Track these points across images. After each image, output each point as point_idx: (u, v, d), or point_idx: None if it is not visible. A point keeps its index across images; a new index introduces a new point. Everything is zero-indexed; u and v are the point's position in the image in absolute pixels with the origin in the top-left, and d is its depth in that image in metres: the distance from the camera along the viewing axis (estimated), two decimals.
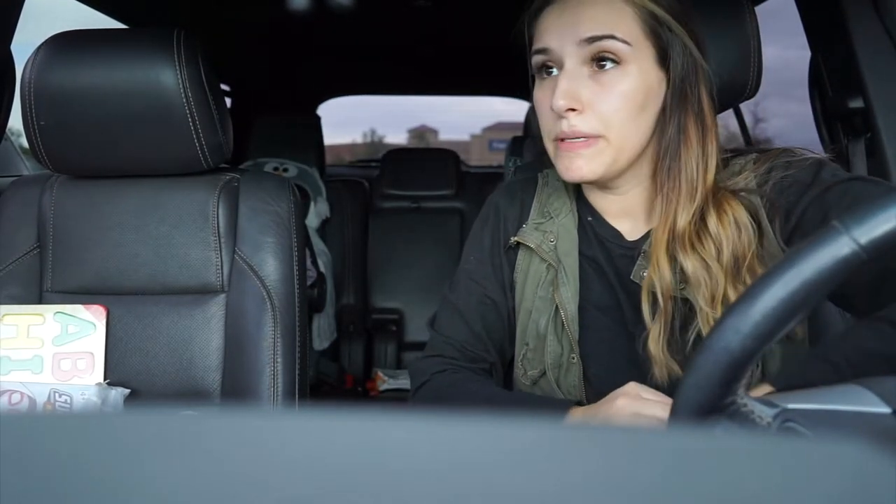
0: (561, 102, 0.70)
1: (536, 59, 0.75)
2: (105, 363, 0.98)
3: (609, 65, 0.71)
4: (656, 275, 0.73)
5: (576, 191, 0.85)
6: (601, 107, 0.71)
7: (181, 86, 0.93)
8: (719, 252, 0.72)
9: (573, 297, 0.79)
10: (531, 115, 2.83)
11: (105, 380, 0.98)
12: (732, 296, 0.70)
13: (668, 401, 0.63)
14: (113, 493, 0.18)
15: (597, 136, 0.72)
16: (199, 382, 1.00)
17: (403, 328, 2.54)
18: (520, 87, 3.22)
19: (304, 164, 2.45)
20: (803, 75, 1.19)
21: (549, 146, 0.76)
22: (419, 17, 2.00)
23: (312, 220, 2.34)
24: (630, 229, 0.81)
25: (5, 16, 1.16)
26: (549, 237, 0.82)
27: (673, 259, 0.73)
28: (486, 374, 0.84)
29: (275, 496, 0.18)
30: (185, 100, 0.94)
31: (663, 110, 0.74)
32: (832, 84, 1.12)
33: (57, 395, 0.94)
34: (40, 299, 1.02)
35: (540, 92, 0.76)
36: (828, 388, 0.44)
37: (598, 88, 0.71)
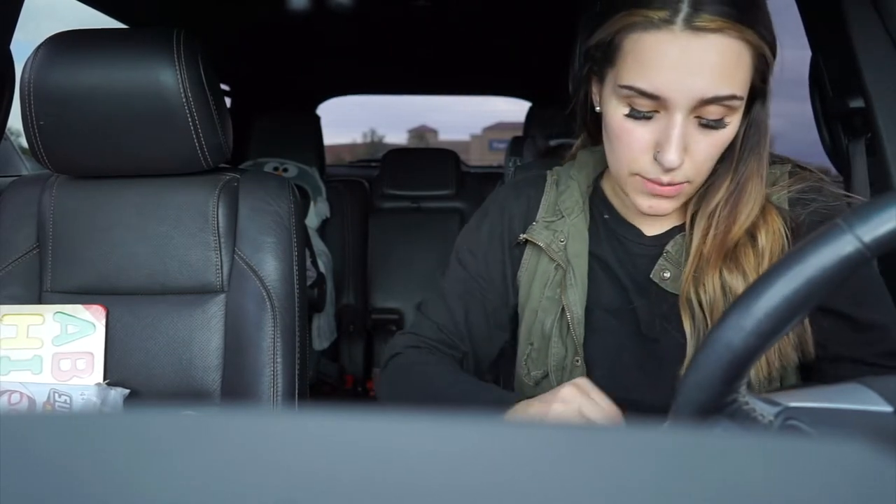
0: (676, 160, 0.65)
1: (630, 96, 0.66)
2: (105, 363, 0.98)
3: (716, 123, 0.66)
4: (705, 296, 0.70)
5: (590, 189, 0.84)
6: (698, 155, 0.67)
7: (181, 86, 0.93)
8: (760, 264, 0.70)
9: (580, 300, 0.77)
10: (531, 115, 2.83)
11: (105, 380, 0.98)
12: None
13: (613, 410, 0.63)
14: (113, 493, 0.18)
15: (685, 182, 0.69)
16: (199, 382, 1.00)
17: (403, 328, 2.54)
18: (520, 87, 3.22)
19: (304, 164, 2.45)
20: (803, 75, 1.19)
21: (625, 178, 0.71)
22: (419, 17, 2.00)
23: (312, 220, 2.34)
24: (651, 226, 0.79)
25: (5, 16, 1.16)
26: (559, 236, 0.80)
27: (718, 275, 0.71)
28: (456, 361, 0.84)
29: (274, 496, 0.18)
30: (185, 100, 0.94)
31: (737, 139, 0.70)
32: (832, 84, 1.11)
33: (56, 395, 0.94)
34: (40, 299, 1.02)
35: (630, 125, 0.68)
36: (830, 387, 0.44)
37: (701, 139, 0.66)
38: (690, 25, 0.62)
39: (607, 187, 0.83)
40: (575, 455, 0.21)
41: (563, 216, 0.81)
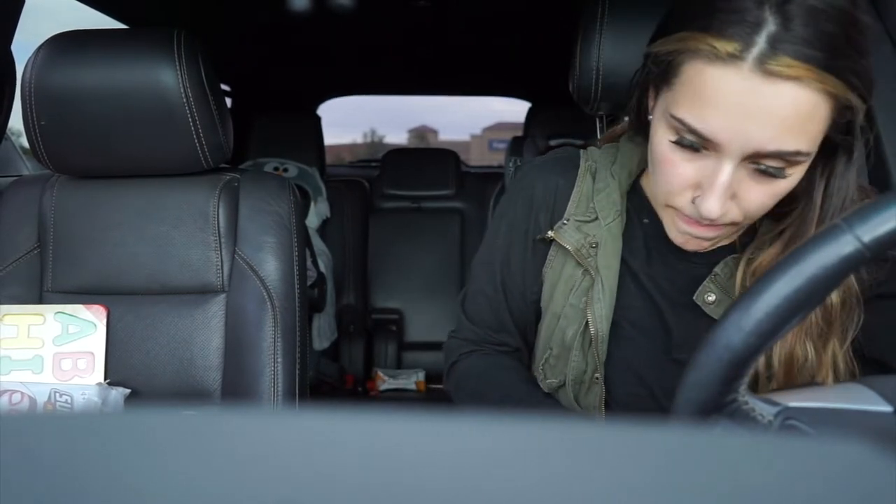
0: (716, 210, 0.57)
1: (680, 129, 0.58)
2: (105, 363, 0.98)
3: (776, 171, 0.57)
4: (774, 359, 0.63)
5: (628, 187, 0.75)
6: (748, 203, 0.59)
7: (181, 86, 0.93)
8: (829, 324, 0.63)
9: (607, 316, 0.71)
10: (531, 114, 2.83)
11: (105, 380, 0.98)
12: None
13: None
14: (113, 493, 0.18)
15: (730, 224, 0.62)
16: (199, 382, 1.00)
17: (403, 328, 2.54)
18: (520, 87, 3.22)
19: (304, 164, 2.45)
20: None
21: (661, 206, 0.66)
22: (419, 17, 2.00)
23: (312, 220, 2.34)
24: None
25: (5, 16, 1.16)
26: (590, 240, 0.72)
27: None
28: (510, 355, 0.82)
29: (274, 496, 0.18)
30: (185, 100, 0.94)
31: (815, 197, 0.62)
32: None
33: (57, 395, 0.94)
34: (41, 299, 1.02)
35: (674, 155, 0.60)
36: (829, 387, 0.44)
37: (754, 186, 0.58)
38: (763, 67, 0.52)
39: (648, 187, 0.74)
40: (575, 454, 0.21)
41: (596, 217, 0.73)
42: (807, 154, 0.56)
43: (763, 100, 0.53)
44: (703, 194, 0.58)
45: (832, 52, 0.52)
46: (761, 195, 0.58)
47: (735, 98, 0.53)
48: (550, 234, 0.74)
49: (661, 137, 0.61)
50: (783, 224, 0.65)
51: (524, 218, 0.77)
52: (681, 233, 0.64)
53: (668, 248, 0.70)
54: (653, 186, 0.67)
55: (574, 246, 0.72)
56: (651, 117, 0.65)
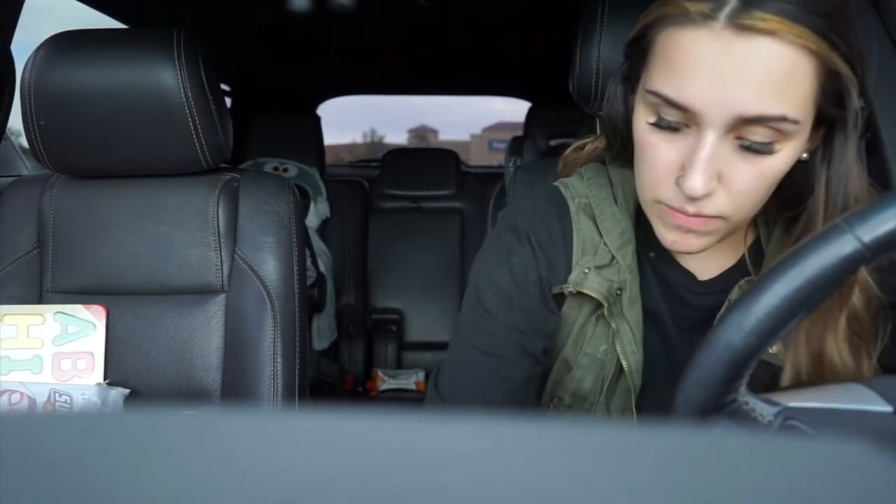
0: (699, 187, 0.53)
1: (657, 104, 0.55)
2: (105, 363, 0.98)
3: (762, 147, 0.53)
4: (792, 356, 0.58)
5: (634, 220, 0.68)
6: (736, 186, 0.55)
7: (181, 86, 0.94)
8: (851, 325, 0.59)
9: (639, 364, 0.65)
10: (531, 114, 2.83)
11: (105, 380, 0.98)
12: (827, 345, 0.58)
13: None
14: (113, 493, 0.18)
15: (717, 217, 0.57)
16: (199, 382, 1.00)
17: (403, 328, 2.54)
18: (520, 87, 3.22)
19: (304, 164, 2.45)
20: None
21: (649, 205, 0.61)
22: (419, 17, 2.00)
23: (312, 220, 2.34)
24: (704, 267, 0.67)
25: (5, 16, 1.16)
26: (616, 286, 0.65)
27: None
28: None
29: (274, 496, 0.18)
30: (185, 100, 0.94)
31: (818, 187, 0.58)
32: None
33: (57, 395, 0.94)
34: (40, 299, 1.02)
35: (654, 138, 0.56)
36: (830, 387, 0.44)
37: (741, 165, 0.54)
38: (735, 23, 0.49)
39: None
40: (575, 454, 0.21)
41: (614, 258, 0.66)
42: (794, 121, 0.52)
43: (738, 58, 0.50)
44: (686, 172, 0.54)
45: (808, 7, 0.50)
46: (749, 175, 0.54)
47: (709, 60, 0.51)
48: (573, 287, 0.66)
49: (640, 121, 0.57)
50: (795, 232, 0.61)
51: (528, 262, 0.68)
52: (669, 228, 0.59)
53: (678, 282, 0.67)
54: (638, 187, 0.62)
55: (602, 294, 0.65)
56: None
